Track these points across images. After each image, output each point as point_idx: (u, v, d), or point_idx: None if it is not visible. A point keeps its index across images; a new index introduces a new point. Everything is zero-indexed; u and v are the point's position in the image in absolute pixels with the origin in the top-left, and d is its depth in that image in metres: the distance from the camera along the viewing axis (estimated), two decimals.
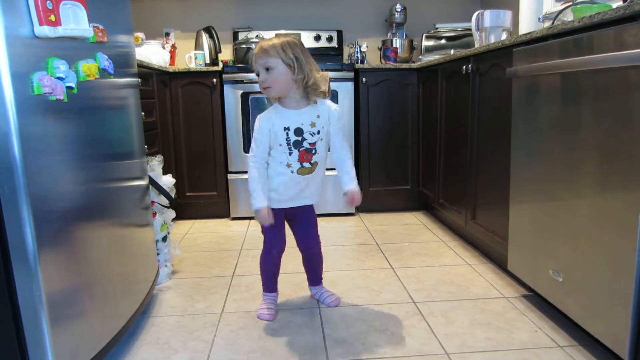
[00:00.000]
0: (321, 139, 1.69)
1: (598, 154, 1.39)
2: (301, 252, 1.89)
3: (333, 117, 1.71)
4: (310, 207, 1.82)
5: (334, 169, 1.80)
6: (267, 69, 1.59)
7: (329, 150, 1.76)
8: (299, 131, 1.65)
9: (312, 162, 1.69)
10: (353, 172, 1.76)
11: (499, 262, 2.28)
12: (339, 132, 1.74)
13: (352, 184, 1.75)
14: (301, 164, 1.67)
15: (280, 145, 1.65)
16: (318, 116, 1.68)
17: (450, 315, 1.79)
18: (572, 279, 1.54)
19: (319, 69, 1.67)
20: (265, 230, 1.78)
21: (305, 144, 1.66)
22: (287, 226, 1.84)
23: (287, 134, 1.64)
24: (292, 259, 2.21)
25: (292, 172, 1.68)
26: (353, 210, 3.37)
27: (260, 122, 1.66)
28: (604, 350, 1.50)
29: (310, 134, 1.66)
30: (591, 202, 1.42)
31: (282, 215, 1.78)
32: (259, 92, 3.12)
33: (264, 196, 1.67)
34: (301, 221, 1.82)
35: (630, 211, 1.26)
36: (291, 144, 1.65)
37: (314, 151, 1.68)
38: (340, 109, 1.74)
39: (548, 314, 1.77)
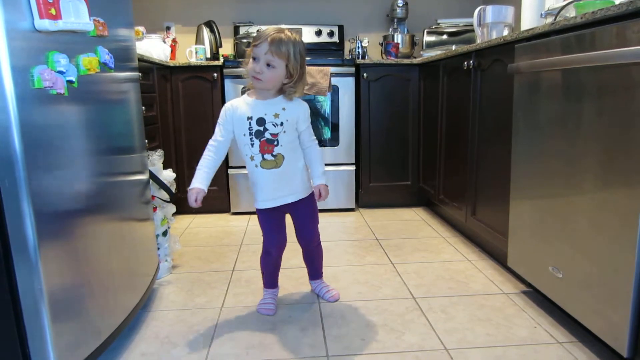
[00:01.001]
0: (284, 132, 1.65)
1: (599, 151, 1.39)
2: (301, 246, 1.89)
3: (302, 115, 1.69)
4: (307, 202, 1.78)
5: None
6: (268, 65, 1.56)
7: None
8: (261, 121, 1.63)
9: (274, 154, 1.65)
10: (320, 168, 1.76)
11: (498, 258, 2.28)
12: (308, 130, 1.73)
13: (321, 179, 1.75)
14: (263, 155, 1.65)
15: (244, 135, 1.64)
16: (283, 109, 1.65)
17: (449, 311, 1.79)
18: (571, 276, 1.54)
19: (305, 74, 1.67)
20: (263, 230, 1.78)
21: (267, 135, 1.63)
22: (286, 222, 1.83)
23: (250, 123, 1.63)
24: (293, 253, 2.21)
25: (255, 166, 1.66)
26: (353, 206, 3.37)
27: (225, 109, 1.67)
28: (602, 346, 1.51)
29: (273, 124, 1.63)
30: (592, 199, 1.42)
31: (278, 215, 1.76)
32: None
33: (201, 178, 1.67)
34: (299, 216, 1.80)
35: (630, 208, 1.26)
36: (253, 133, 1.63)
37: (275, 142, 1.64)
38: (308, 108, 1.73)
39: (547, 310, 1.78)
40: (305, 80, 1.66)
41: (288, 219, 1.81)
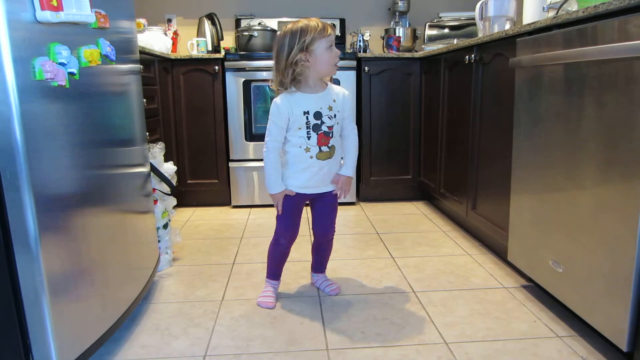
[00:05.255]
0: (337, 123, 1.71)
1: (600, 145, 1.38)
2: (314, 236, 1.89)
3: (347, 104, 1.75)
4: (333, 193, 1.81)
5: None
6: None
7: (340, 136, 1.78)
8: (317, 115, 1.66)
9: (329, 145, 1.70)
10: (353, 159, 1.79)
11: (499, 252, 2.28)
12: (351, 117, 1.78)
13: (346, 170, 1.78)
14: (320, 147, 1.68)
15: (300, 128, 1.66)
16: (334, 100, 1.70)
17: (449, 305, 1.80)
18: (572, 270, 1.54)
19: None
20: (278, 218, 1.79)
21: (324, 127, 1.67)
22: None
23: (307, 117, 1.65)
24: (295, 246, 2.20)
25: (311, 157, 1.68)
26: (354, 200, 3.37)
27: (279, 106, 1.65)
28: (602, 340, 1.51)
29: (328, 117, 1.68)
30: (592, 193, 1.42)
31: (301, 203, 1.78)
32: (261, 80, 3.13)
33: (280, 180, 1.71)
34: (324, 206, 1.81)
35: (631, 202, 1.26)
36: (310, 127, 1.66)
37: (331, 134, 1.69)
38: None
39: (547, 304, 1.78)
40: None
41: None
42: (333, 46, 1.62)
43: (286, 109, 1.64)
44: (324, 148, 1.69)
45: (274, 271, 1.88)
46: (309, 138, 1.67)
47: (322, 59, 1.62)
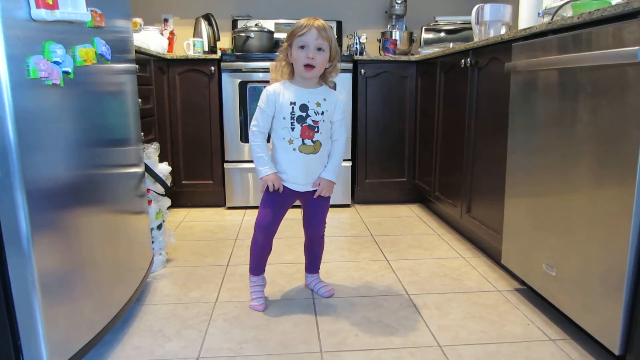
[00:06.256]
0: (323, 120, 1.70)
1: (594, 149, 1.39)
2: (305, 233, 1.89)
3: (338, 107, 1.74)
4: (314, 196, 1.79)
5: None
6: (319, 49, 1.63)
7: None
8: (304, 107, 1.68)
9: (314, 140, 1.69)
10: (336, 163, 1.78)
11: (493, 255, 2.29)
12: (341, 122, 1.77)
13: (331, 174, 1.76)
14: (303, 140, 1.68)
15: (284, 118, 1.67)
16: (324, 99, 1.71)
17: (443, 308, 1.80)
18: (565, 274, 1.55)
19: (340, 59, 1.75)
20: (262, 205, 1.77)
21: (309, 121, 1.68)
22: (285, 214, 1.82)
23: (293, 108, 1.67)
24: (288, 249, 2.21)
25: (294, 149, 1.68)
26: (349, 202, 3.37)
27: (267, 94, 1.70)
28: (595, 344, 1.52)
29: (315, 112, 1.68)
30: (586, 197, 1.43)
31: (287, 199, 1.76)
32: (257, 82, 3.13)
33: (268, 163, 1.71)
34: (314, 204, 1.81)
35: (623, 207, 1.27)
36: (295, 118, 1.67)
37: (316, 129, 1.69)
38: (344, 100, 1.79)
39: (540, 307, 1.79)
40: (339, 64, 1.75)
41: (293, 215, 1.81)
42: (307, 47, 1.62)
43: (273, 96, 1.69)
44: (308, 141, 1.69)
45: (253, 265, 1.84)
46: (292, 129, 1.68)
47: (295, 57, 1.65)
